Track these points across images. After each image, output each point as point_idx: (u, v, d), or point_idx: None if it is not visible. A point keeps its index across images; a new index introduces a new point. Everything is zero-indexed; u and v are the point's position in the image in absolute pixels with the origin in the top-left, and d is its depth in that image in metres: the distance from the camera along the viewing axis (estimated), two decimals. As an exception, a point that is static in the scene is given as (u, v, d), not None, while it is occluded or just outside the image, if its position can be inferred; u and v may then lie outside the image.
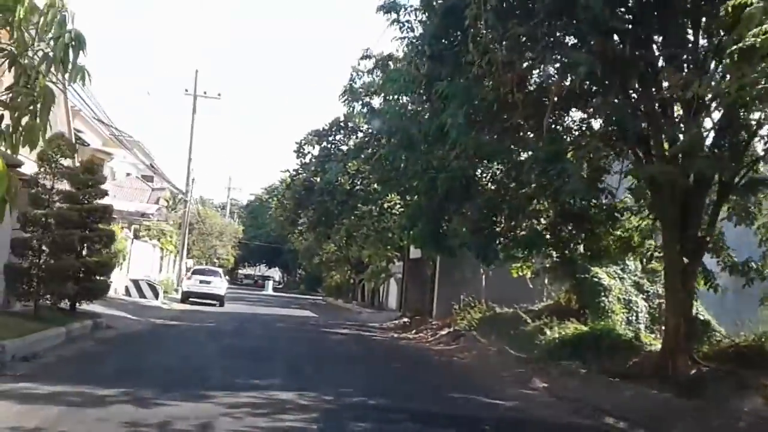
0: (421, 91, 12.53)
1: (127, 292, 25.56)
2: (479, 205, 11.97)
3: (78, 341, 11.65)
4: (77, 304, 14.47)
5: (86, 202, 14.65)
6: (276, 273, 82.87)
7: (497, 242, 12.94)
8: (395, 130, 12.81)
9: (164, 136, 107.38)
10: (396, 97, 13.35)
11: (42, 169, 12.36)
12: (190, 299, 28.34)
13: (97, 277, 14.70)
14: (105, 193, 15.15)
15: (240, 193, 77.84)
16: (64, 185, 13.20)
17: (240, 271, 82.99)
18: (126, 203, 31.52)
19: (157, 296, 25.75)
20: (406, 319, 24.91)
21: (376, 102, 17.99)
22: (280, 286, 72.45)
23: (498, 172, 13.18)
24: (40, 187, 12.33)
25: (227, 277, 70.97)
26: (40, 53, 4.60)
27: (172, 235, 38.22)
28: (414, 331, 21.15)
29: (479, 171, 12.96)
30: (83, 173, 14.83)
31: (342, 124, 22.90)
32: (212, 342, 13.60)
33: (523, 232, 13.72)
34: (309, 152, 23.31)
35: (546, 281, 22.68)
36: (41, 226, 12.20)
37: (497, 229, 12.93)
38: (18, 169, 13.22)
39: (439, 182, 11.77)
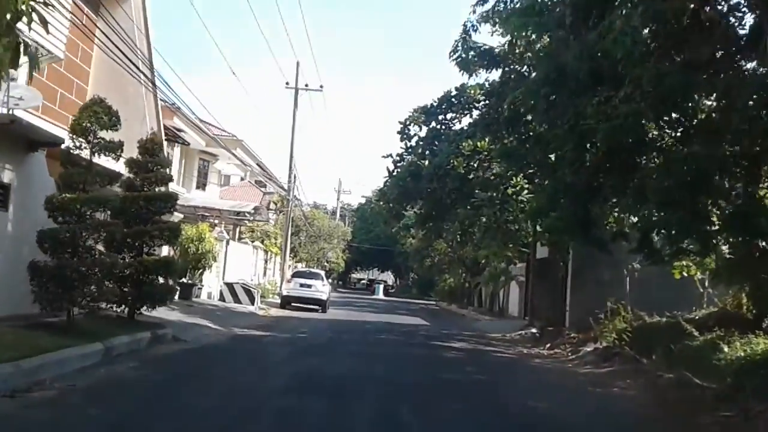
0: (569, 22, 8.76)
1: (222, 297, 23.45)
2: (669, 171, 7.92)
3: (116, 362, 8.94)
4: (136, 311, 11.99)
5: (144, 189, 12.19)
6: (388, 277, 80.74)
7: (699, 226, 8.77)
8: (535, 62, 9.08)
9: (269, 136, 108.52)
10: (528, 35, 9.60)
11: (75, 144, 9.82)
12: (292, 304, 26.02)
13: (159, 279, 12.18)
14: (168, 179, 12.61)
15: (350, 197, 76.15)
16: (110, 164, 10.64)
17: (353, 275, 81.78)
18: (221, 201, 29.79)
19: (253, 301, 23.45)
20: (534, 330, 20.90)
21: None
22: (393, 290, 69.87)
23: (683, 120, 8.95)
24: (72, 166, 9.79)
25: (338, 281, 70.16)
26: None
27: (276, 236, 36.42)
28: (548, 346, 17.15)
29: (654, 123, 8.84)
30: (142, 154, 12.39)
31: (453, 99, 19.26)
32: (291, 363, 10.52)
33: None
34: (415, 134, 19.88)
35: (706, 283, 18.39)
36: (75, 214, 9.63)
37: (698, 206, 8.69)
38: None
39: (599, 136, 7.91)
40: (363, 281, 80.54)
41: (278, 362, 10.42)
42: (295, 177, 33.06)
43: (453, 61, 13.02)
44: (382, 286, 63.12)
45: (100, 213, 10.29)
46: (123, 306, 11.86)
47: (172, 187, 27.53)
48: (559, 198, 10.92)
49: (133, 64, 15.56)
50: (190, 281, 20.43)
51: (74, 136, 9.83)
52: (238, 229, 34.52)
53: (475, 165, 18.22)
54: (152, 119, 19.52)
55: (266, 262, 35.12)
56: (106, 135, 10.17)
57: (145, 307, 12.02)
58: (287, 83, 34.01)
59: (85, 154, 9.93)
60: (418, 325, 24.16)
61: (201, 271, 21.02)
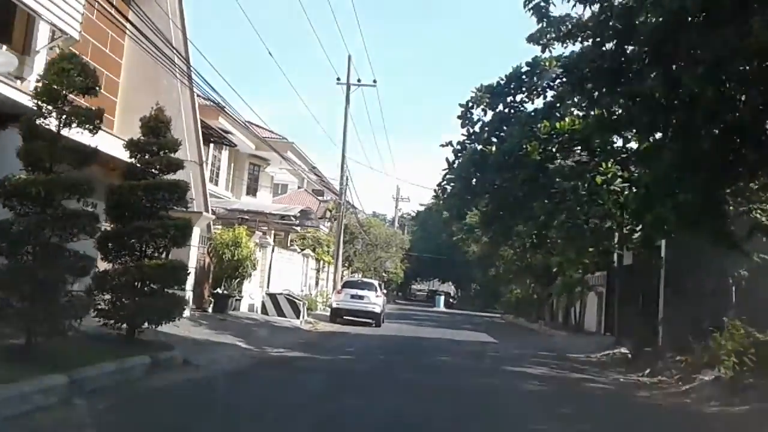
0: None
1: (264, 310, 21.14)
2: None
3: (85, 399, 6.51)
4: (137, 329, 9.65)
5: (146, 176, 9.89)
6: (449, 288, 77.46)
7: None
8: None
9: (321, 138, 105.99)
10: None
11: (42, 110, 7.54)
12: (343, 317, 23.54)
13: (165, 290, 9.81)
14: (178, 166, 10.25)
15: (409, 205, 72.93)
16: (86, 139, 8.27)
17: (413, 286, 78.84)
18: (265, 205, 27.69)
19: (298, 314, 21.05)
20: (624, 350, 17.64)
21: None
22: (454, 302, 66.56)
23: None
24: (39, 139, 7.50)
25: (397, 292, 67.33)
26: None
27: (329, 244, 34.14)
28: (647, 372, 13.92)
29: None
30: (145, 135, 10.11)
31: (524, 77, 16.22)
32: (321, 403, 7.87)
33: None
34: (479, 118, 16.92)
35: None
36: (39, 203, 7.33)
37: None
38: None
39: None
40: (423, 292, 77.51)
41: (304, 402, 7.75)
42: (347, 179, 30.75)
43: (528, 11, 10.26)
44: (442, 298, 59.93)
45: (88, 204, 7.97)
46: (122, 323, 9.58)
47: (220, 191, 25.89)
48: (684, 175, 7.92)
49: (166, 56, 13.87)
50: (225, 291, 18.18)
51: (39, 102, 7.55)
52: (288, 237, 32.40)
53: (554, 150, 15.18)
54: (188, 115, 17.69)
55: (318, 271, 32.81)
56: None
57: (146, 324, 9.66)
58: (338, 79, 32.06)
59: (55, 125, 7.64)
60: (485, 343, 21.15)
61: (239, 280, 18.73)
